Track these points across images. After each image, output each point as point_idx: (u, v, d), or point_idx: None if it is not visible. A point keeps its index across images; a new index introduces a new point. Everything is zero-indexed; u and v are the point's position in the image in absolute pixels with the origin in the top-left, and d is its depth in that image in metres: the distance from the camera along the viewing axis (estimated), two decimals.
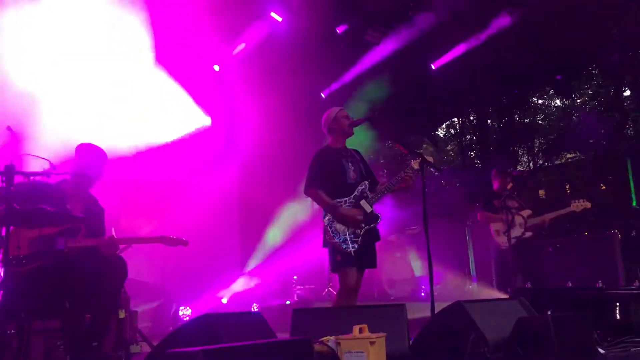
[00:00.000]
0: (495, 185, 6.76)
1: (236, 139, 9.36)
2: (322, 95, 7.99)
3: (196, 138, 8.78)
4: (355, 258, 4.18)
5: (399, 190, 4.40)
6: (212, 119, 8.70)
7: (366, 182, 4.41)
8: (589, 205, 6.38)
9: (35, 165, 3.69)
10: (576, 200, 6.45)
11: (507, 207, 6.37)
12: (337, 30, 6.61)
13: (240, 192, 9.33)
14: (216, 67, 6.96)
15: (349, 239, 4.17)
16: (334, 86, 7.91)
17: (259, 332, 3.21)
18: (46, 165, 3.62)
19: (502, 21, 6.73)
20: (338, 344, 2.90)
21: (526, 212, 6.51)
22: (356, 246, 4.17)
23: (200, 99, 8.14)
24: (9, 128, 3.45)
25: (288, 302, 8.99)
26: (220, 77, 7.39)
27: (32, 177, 3.58)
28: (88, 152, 4.03)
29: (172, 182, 8.44)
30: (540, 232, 6.75)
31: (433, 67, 7.55)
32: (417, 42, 7.04)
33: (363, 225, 4.23)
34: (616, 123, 13.50)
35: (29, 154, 3.44)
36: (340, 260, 4.18)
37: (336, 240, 4.18)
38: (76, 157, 4.00)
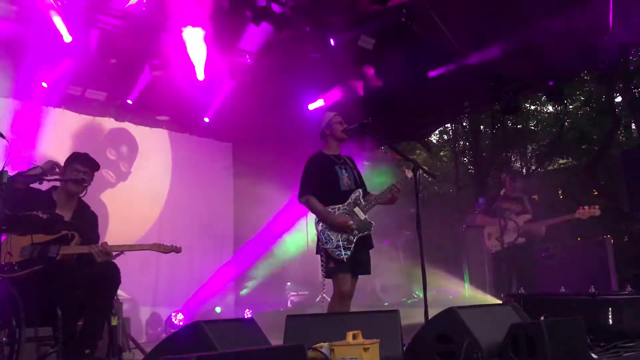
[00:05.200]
0: (512, 187, 6.76)
1: (230, 149, 9.39)
2: (309, 108, 8.01)
3: (190, 145, 8.80)
4: (348, 265, 4.18)
5: (388, 202, 4.41)
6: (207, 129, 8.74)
7: (360, 189, 4.41)
8: (598, 212, 6.08)
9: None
10: (585, 207, 6.16)
11: (501, 211, 6.40)
12: (331, 41, 6.61)
13: (236, 196, 9.33)
14: (200, 76, 6.97)
15: (342, 245, 4.17)
16: (324, 95, 7.92)
17: (252, 339, 3.20)
18: (37, 172, 3.61)
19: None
20: (332, 350, 2.89)
21: (524, 218, 6.51)
22: (349, 253, 4.17)
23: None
24: (0, 134, 3.42)
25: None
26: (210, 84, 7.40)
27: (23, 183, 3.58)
28: (81, 161, 4.01)
29: (165, 189, 8.46)
30: (535, 239, 6.75)
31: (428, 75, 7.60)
32: (412, 48, 7.07)
33: (356, 232, 4.23)
34: (608, 129, 13.57)
35: (21, 160, 3.42)
36: (333, 267, 4.18)
37: (329, 246, 4.17)
38: (68, 165, 3.99)
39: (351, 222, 4.22)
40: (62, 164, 3.97)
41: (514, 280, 6.31)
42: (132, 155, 8.27)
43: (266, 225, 9.01)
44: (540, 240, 6.77)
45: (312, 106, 8.00)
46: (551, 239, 7.30)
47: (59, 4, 5.72)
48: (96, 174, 4.13)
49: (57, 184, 3.95)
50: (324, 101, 7.94)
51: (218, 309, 8.30)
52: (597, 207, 6.12)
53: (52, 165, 3.81)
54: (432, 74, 7.60)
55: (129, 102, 7.58)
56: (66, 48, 6.10)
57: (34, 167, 3.73)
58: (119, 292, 4.09)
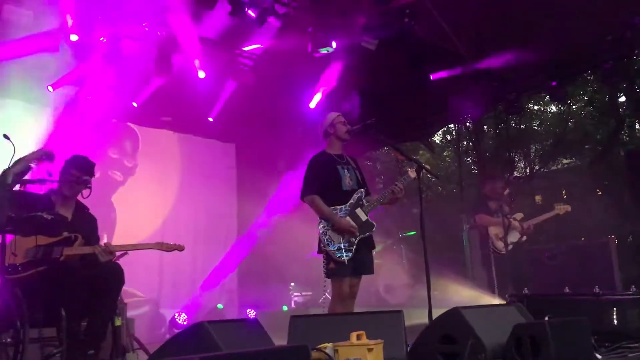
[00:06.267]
0: (492, 189, 6.79)
1: (234, 149, 9.39)
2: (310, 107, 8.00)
3: (194, 146, 8.81)
4: (349, 267, 4.17)
5: (390, 203, 4.40)
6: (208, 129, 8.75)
7: (362, 190, 4.41)
8: (569, 208, 6.69)
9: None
10: (558, 204, 6.73)
11: (504, 212, 6.40)
12: (334, 43, 6.61)
13: (238, 196, 9.34)
14: (201, 74, 6.98)
15: (343, 247, 4.16)
16: (326, 94, 7.91)
17: (256, 339, 3.20)
18: (22, 166, 3.59)
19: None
20: (336, 351, 2.89)
21: (519, 216, 6.58)
22: (350, 255, 4.16)
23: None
24: (5, 136, 3.44)
25: (285, 308, 8.98)
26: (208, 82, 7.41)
27: (27, 185, 3.58)
28: (76, 166, 4.01)
29: (170, 190, 8.47)
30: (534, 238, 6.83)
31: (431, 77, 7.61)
32: (413, 47, 7.07)
33: (358, 234, 4.22)
34: (612, 129, 13.55)
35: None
36: (333, 268, 4.17)
37: (330, 248, 4.16)
38: (66, 167, 3.99)
39: (355, 226, 4.21)
40: (63, 165, 3.99)
41: (518, 281, 6.30)
42: (135, 149, 8.27)
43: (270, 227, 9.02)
44: (540, 240, 6.85)
45: (312, 103, 7.97)
46: (555, 240, 7.30)
47: None
48: (103, 176, 4.13)
49: (54, 186, 3.94)
50: (322, 92, 7.89)
51: (220, 306, 8.32)
52: (566, 203, 6.83)
53: (41, 155, 3.72)
54: (435, 75, 7.61)
55: (134, 104, 7.59)
56: (71, 49, 6.11)
57: (18, 161, 3.58)
58: (134, 291, 4.09)
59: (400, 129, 9.16)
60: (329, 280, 4.26)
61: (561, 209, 6.67)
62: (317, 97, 7.93)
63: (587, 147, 15.81)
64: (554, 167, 17.41)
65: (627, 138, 14.63)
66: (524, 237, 6.46)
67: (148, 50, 6.66)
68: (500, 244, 6.46)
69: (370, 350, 2.84)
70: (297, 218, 8.77)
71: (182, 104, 7.91)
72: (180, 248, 4.03)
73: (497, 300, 6.42)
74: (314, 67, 7.39)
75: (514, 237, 6.39)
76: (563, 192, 15.37)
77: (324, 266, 4.23)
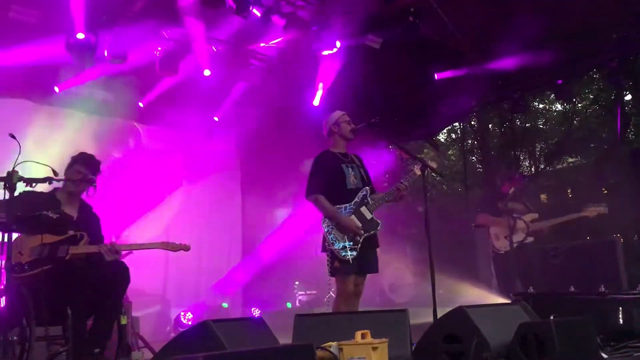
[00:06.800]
0: (503, 188, 6.77)
1: (238, 146, 9.40)
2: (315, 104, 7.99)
3: (198, 146, 8.82)
4: (353, 265, 4.17)
5: (395, 200, 4.40)
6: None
7: (367, 188, 4.40)
8: (603, 210, 6.03)
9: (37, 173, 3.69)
10: (591, 205, 6.10)
11: (510, 211, 6.37)
12: (338, 42, 6.60)
13: (243, 197, 9.35)
14: (206, 72, 6.98)
15: (347, 246, 4.16)
16: (330, 93, 7.91)
17: (261, 338, 3.21)
18: (49, 173, 3.62)
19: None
20: (340, 349, 2.89)
21: (531, 217, 6.48)
22: (355, 253, 4.16)
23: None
24: (11, 135, 3.45)
25: (289, 305, 8.99)
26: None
27: (33, 184, 3.59)
28: (82, 163, 4.02)
29: (175, 188, 8.49)
30: (540, 238, 6.74)
31: (436, 76, 7.61)
32: (418, 46, 7.07)
33: (363, 232, 4.22)
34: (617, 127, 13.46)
35: (31, 161, 3.43)
36: (338, 266, 4.17)
37: (335, 247, 4.16)
38: (72, 164, 4.01)
39: (359, 225, 4.21)
40: (69, 162, 4.00)
41: (523, 280, 6.28)
42: (137, 147, 8.25)
43: (277, 228, 9.02)
44: (546, 239, 6.76)
45: (316, 101, 7.96)
46: (560, 238, 7.25)
47: None
48: (107, 175, 4.13)
49: (59, 185, 3.95)
50: (327, 92, 7.89)
51: (225, 304, 8.33)
52: (604, 204, 6.07)
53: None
54: (440, 74, 7.60)
55: (140, 104, 7.61)
56: (78, 48, 6.13)
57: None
58: (139, 290, 4.07)
59: (405, 128, 9.16)
60: (333, 278, 4.26)
61: (592, 211, 6.01)
62: (320, 95, 7.93)
63: (592, 145, 15.77)
64: (559, 166, 17.35)
65: (633, 136, 14.58)
66: (529, 238, 6.41)
67: (154, 50, 6.68)
68: (499, 244, 6.44)
69: (374, 349, 2.84)
70: (300, 217, 8.84)
71: (187, 103, 7.93)
72: (185, 248, 4.03)
73: (501, 300, 6.41)
74: (318, 67, 7.39)
75: (518, 236, 6.35)
76: (568, 191, 15.31)
77: (328, 265, 4.24)
